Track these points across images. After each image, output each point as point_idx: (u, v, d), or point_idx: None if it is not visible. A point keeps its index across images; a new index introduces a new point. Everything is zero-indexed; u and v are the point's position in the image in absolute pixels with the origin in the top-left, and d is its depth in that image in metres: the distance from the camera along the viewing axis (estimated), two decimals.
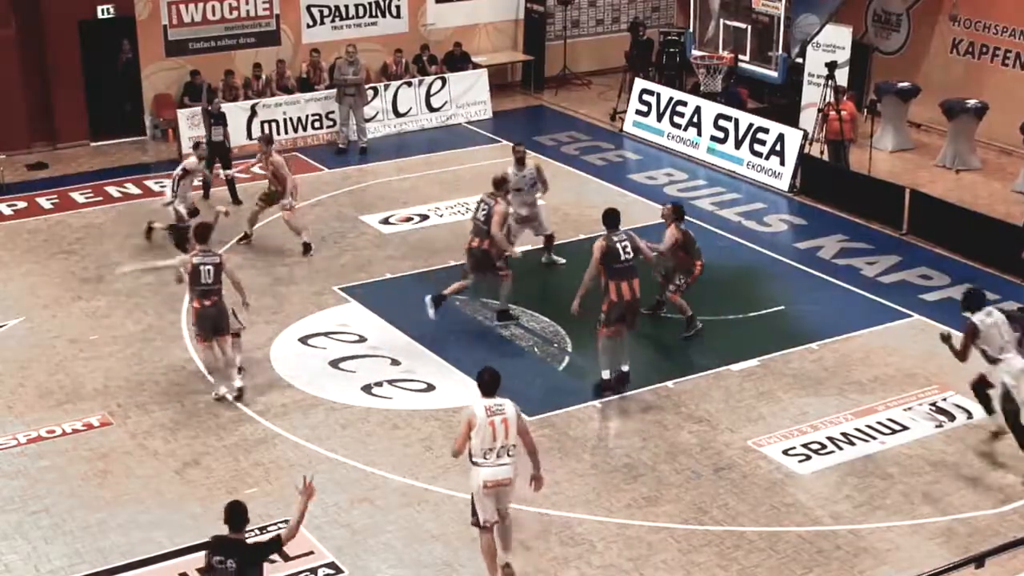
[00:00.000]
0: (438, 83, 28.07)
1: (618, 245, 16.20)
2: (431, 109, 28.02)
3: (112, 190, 24.12)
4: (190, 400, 16.47)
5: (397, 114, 27.69)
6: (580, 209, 22.14)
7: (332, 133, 26.87)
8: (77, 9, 25.93)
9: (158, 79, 26.99)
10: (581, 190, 23.79)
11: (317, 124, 26.90)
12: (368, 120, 26.88)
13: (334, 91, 26.50)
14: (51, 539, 13.57)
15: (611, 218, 16.50)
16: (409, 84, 27.80)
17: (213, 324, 16.17)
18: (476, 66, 29.05)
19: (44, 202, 23.51)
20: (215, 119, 23.20)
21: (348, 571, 13.02)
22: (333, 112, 26.73)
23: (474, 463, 12.39)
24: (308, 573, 12.97)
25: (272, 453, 15.27)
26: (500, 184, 18.41)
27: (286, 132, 26.55)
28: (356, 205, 23.18)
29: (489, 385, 12.51)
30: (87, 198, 23.77)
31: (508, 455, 12.38)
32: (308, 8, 27.95)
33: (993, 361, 14.88)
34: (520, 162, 19.91)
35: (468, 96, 28.34)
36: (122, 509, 14.08)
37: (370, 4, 28.59)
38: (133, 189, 24.16)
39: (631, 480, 14.72)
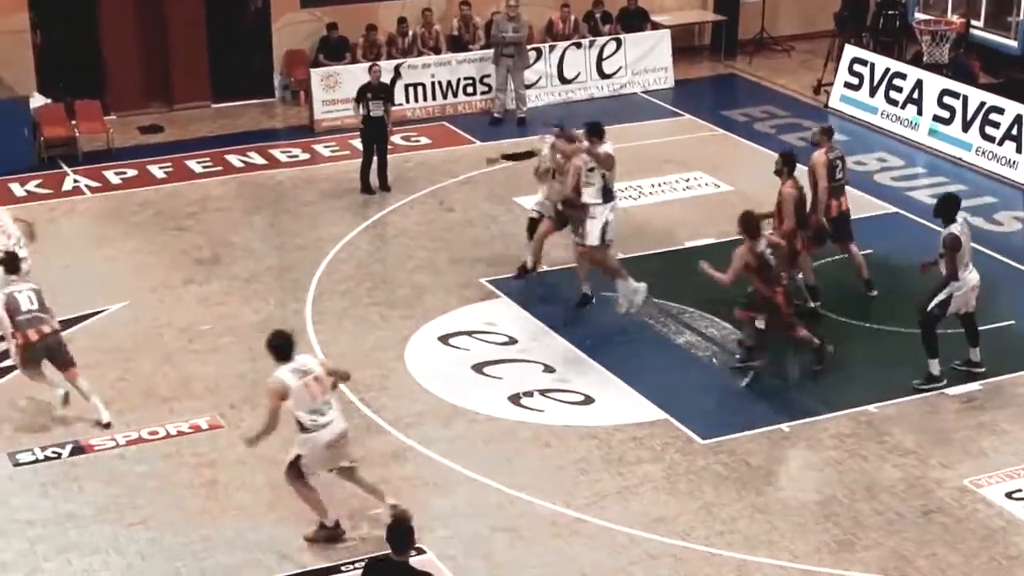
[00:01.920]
0: (612, 45, 28.06)
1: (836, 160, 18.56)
2: (603, 75, 28.02)
3: (233, 159, 24.57)
4: None
5: (563, 80, 27.75)
6: (773, 197, 21.87)
7: (487, 100, 27.00)
8: None
9: (290, 33, 27.45)
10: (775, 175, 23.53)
11: (470, 89, 27.07)
12: (529, 86, 26.96)
13: (490, 52, 26.67)
14: (148, 555, 13.85)
15: (828, 132, 19.04)
16: (578, 46, 27.84)
17: (50, 356, 16.18)
18: (657, 26, 28.96)
19: (157, 170, 24.04)
20: (374, 92, 22.95)
21: None
22: (489, 76, 26.88)
23: (306, 430, 13.50)
24: None
25: (403, 469, 15.39)
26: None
27: (434, 98, 26.78)
28: (510, 184, 23.22)
29: (284, 349, 13.59)
30: (205, 167, 24.24)
31: (331, 407, 13.64)
32: None
33: (954, 276, 16.40)
34: None
35: (646, 61, 28.29)
36: (229, 525, 14.30)
37: None
38: (257, 158, 24.58)
39: (821, 519, 14.52)
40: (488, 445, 15.84)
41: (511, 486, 14.99)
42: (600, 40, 28.05)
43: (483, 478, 15.13)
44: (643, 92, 28.09)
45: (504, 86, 26.54)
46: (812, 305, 18.45)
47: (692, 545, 13.96)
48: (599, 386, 17.05)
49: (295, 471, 13.76)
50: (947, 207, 16.67)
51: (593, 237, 18.41)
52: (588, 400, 16.78)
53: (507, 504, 14.71)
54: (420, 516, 14.27)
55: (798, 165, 18.29)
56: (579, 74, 27.83)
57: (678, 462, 15.48)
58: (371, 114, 22.77)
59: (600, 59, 27.97)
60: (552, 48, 27.64)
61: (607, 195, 18.41)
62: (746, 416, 16.49)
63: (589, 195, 18.33)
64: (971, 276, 16.64)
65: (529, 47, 26.98)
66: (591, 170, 18.30)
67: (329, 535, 13.95)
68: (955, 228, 16.46)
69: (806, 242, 18.22)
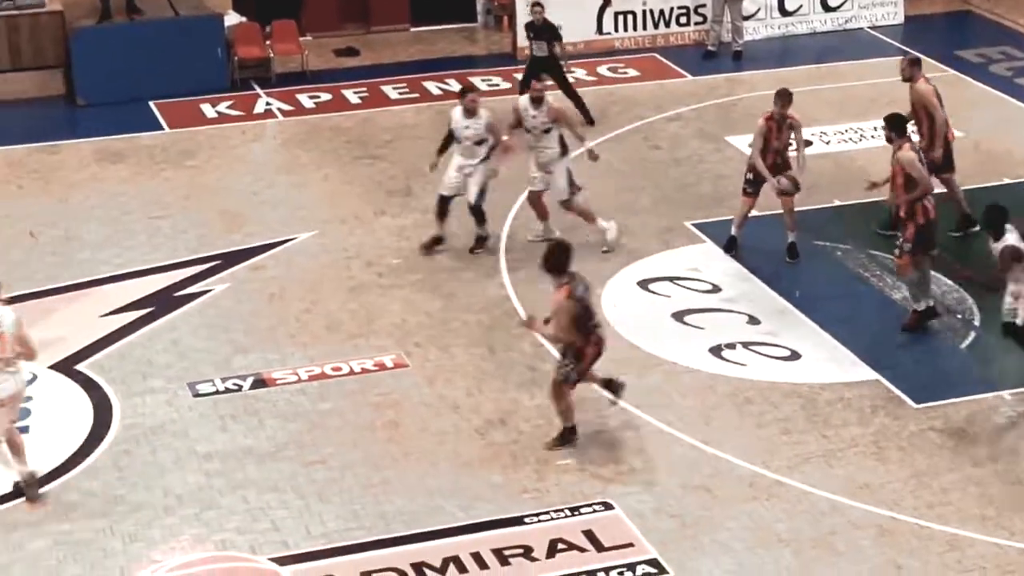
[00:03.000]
0: None
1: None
2: (827, 8, 27.62)
3: (431, 86, 24.75)
4: (502, 347, 16.78)
5: (784, 12, 27.43)
6: (1006, 145, 21.48)
7: (701, 31, 26.79)
8: None
9: None
10: (1010, 122, 23.06)
11: (683, 19, 26.92)
12: (747, 18, 26.68)
13: None
14: (327, 496, 14.08)
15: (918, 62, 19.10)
16: None
17: None
18: None
19: (351, 95, 24.32)
20: (536, 32, 22.91)
21: (673, 572, 13.07)
22: (704, 6, 26.68)
23: None
24: (625, 569, 13.09)
25: (594, 420, 15.42)
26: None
27: (644, 28, 26.66)
28: (722, 122, 23.07)
29: None
30: (401, 93, 24.46)
31: (9, 368, 13.59)
32: None
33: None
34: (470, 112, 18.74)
35: None
36: (411, 469, 14.47)
37: None
38: (456, 86, 24.64)
39: None
40: (685, 398, 15.79)
41: (707, 443, 14.94)
42: None
43: (678, 433, 15.11)
44: (869, 27, 27.63)
45: (720, 17, 26.29)
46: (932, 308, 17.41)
47: (900, 516, 13.77)
48: (807, 341, 16.87)
49: None
50: (995, 218, 15.60)
51: (561, 192, 18.74)
52: (794, 356, 16.62)
53: (702, 462, 14.67)
54: (609, 469, 14.45)
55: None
56: (801, 6, 27.45)
57: (888, 426, 15.27)
58: (534, 54, 22.85)
59: None
60: None
61: (564, 148, 18.76)
62: (965, 380, 16.23)
63: (548, 156, 18.61)
64: None
65: None
66: (547, 131, 18.53)
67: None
68: (1011, 239, 15.28)
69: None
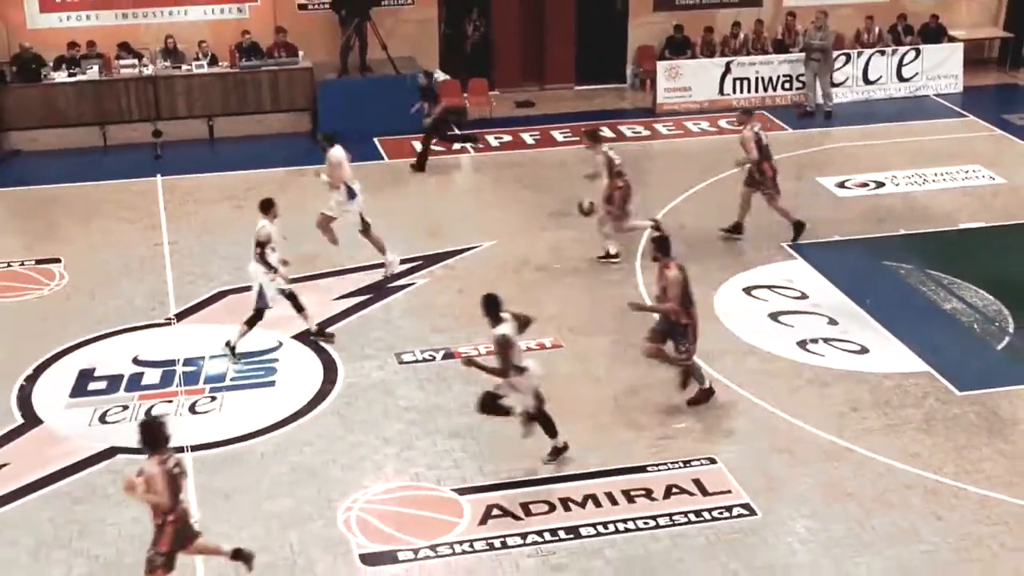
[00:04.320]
0: (912, 54, 27.12)
1: None
2: (901, 79, 27.15)
3: None
4: (634, 333, 16.70)
5: (867, 81, 27.01)
6: None
7: (799, 95, 26.52)
8: None
9: (643, 31, 27.46)
10: None
11: (787, 85, 26.62)
12: (836, 85, 26.34)
13: (803, 54, 26.16)
14: (494, 444, 14.23)
15: (749, 112, 19.59)
16: (882, 53, 27.01)
17: None
18: (952, 40, 27.81)
19: (527, 137, 24.47)
20: (422, 95, 22.95)
21: (761, 515, 13.00)
22: (803, 75, 26.35)
23: None
24: (723, 510, 13.06)
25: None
26: None
27: (755, 91, 26.44)
28: (814, 167, 22.82)
29: None
30: (565, 137, 24.54)
31: None
32: None
33: (522, 371, 13.49)
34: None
35: (940, 69, 27.23)
36: (561, 425, 14.38)
37: None
38: (607, 132, 24.67)
39: None
40: (775, 380, 15.67)
41: (792, 415, 14.83)
42: (902, 49, 27.17)
43: (769, 407, 15.02)
44: (935, 95, 27.10)
45: (813, 85, 26.03)
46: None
47: (942, 479, 13.60)
48: (874, 340, 16.65)
49: None
50: (491, 306, 13.56)
51: (355, 224, 18.32)
52: (864, 350, 16.42)
53: (787, 430, 14.57)
54: (714, 433, 14.43)
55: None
56: (881, 77, 27.04)
57: (936, 409, 15.02)
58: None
59: (900, 65, 27.08)
60: (860, 54, 26.91)
61: (351, 194, 18.27)
62: (1001, 374, 15.87)
63: (337, 200, 18.30)
64: (535, 366, 13.75)
65: (839, 52, 26.37)
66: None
67: None
68: (506, 328, 13.45)
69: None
